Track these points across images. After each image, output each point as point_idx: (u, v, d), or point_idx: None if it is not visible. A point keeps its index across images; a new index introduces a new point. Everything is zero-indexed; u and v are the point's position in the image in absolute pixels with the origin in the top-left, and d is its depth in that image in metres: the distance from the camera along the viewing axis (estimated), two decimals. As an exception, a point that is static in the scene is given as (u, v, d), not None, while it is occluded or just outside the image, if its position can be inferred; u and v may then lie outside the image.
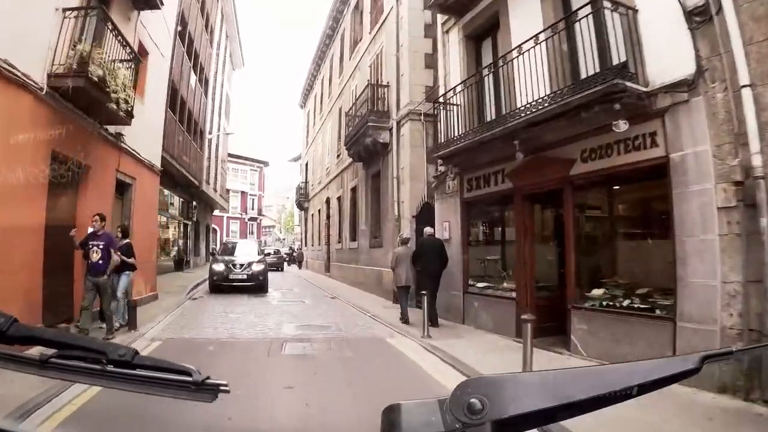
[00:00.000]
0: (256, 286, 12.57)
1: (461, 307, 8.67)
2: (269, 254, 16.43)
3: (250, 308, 10.45)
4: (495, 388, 0.55)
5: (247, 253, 13.30)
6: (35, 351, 0.84)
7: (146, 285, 10.99)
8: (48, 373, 0.80)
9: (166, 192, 20.07)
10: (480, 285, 8.49)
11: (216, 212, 47.53)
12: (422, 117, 11.64)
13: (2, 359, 0.81)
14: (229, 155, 49.75)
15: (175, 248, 21.73)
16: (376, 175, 14.29)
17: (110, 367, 0.79)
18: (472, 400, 0.53)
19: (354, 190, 16.73)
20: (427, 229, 9.32)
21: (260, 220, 55.63)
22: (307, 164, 30.95)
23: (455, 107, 8.44)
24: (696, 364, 0.58)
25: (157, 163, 12.21)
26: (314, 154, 27.20)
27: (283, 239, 65.13)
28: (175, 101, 17.42)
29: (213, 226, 48.06)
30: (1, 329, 0.81)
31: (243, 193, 51.55)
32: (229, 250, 13.74)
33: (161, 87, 12.45)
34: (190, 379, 0.77)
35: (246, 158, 52.21)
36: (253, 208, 53.49)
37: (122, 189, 9.90)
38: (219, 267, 12.44)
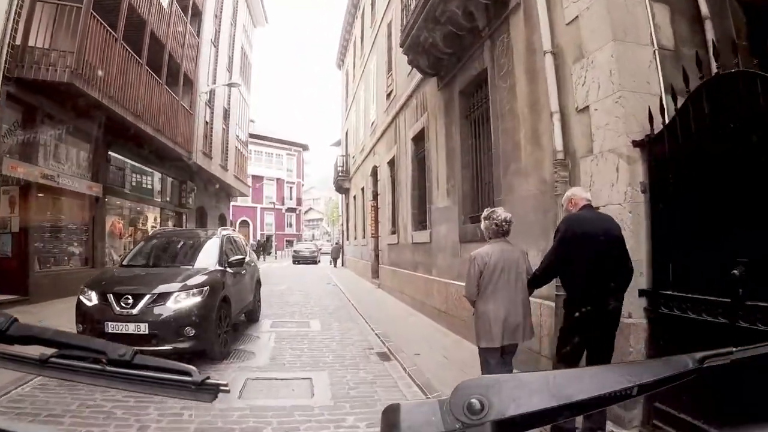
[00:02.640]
0: (174, 351, 4.51)
1: None
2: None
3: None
4: (495, 388, 0.53)
5: (188, 262, 5.82)
6: (35, 350, 0.80)
7: None
8: (48, 372, 0.79)
9: (127, 161, 13.32)
10: None
11: (250, 201, 41.63)
12: None
13: (2, 359, 0.80)
14: (262, 137, 43.76)
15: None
16: (471, 87, 6.68)
17: (110, 367, 0.77)
18: (472, 400, 0.51)
19: (419, 137, 9.18)
20: (576, 192, 3.40)
21: (300, 210, 49.36)
22: (347, 133, 23.89)
23: None
24: (695, 364, 0.58)
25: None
26: (355, 115, 19.99)
27: (329, 232, 61.11)
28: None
29: (245, 218, 42.21)
30: (1, 329, 0.81)
31: (279, 180, 45.49)
32: (150, 253, 6.08)
33: None
34: (190, 379, 0.74)
35: (281, 141, 46.10)
36: (291, 198, 47.30)
37: None
38: (88, 302, 4.80)
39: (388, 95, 12.16)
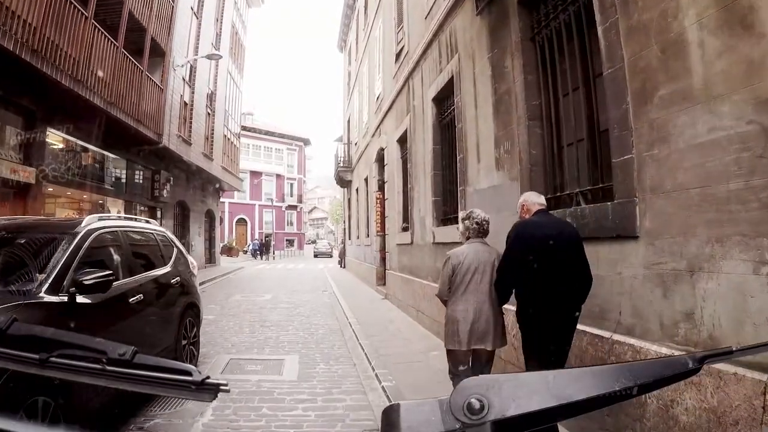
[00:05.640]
0: None
1: None
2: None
3: None
4: (495, 388, 0.52)
5: None
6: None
7: None
8: (48, 372, 0.78)
9: (78, 142, 10.71)
10: None
11: (248, 198, 39.04)
12: None
13: (2, 359, 0.80)
14: (260, 131, 41.19)
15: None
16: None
17: (110, 367, 0.76)
18: (472, 400, 0.50)
19: (446, 93, 6.58)
20: (528, 198, 3.19)
21: (301, 208, 46.82)
22: (349, 120, 21.36)
23: None
24: (695, 364, 0.57)
25: None
26: (358, 97, 17.46)
27: (334, 231, 60.24)
28: None
29: (242, 216, 39.65)
30: (1, 328, 0.82)
31: (279, 176, 42.99)
32: None
33: None
34: (190, 378, 0.74)
35: (281, 135, 43.64)
36: (292, 195, 44.80)
37: None
38: None
39: (398, 55, 9.53)
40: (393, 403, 0.54)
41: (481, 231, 3.44)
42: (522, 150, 4.08)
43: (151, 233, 4.47)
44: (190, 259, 5.07)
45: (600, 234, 3.07)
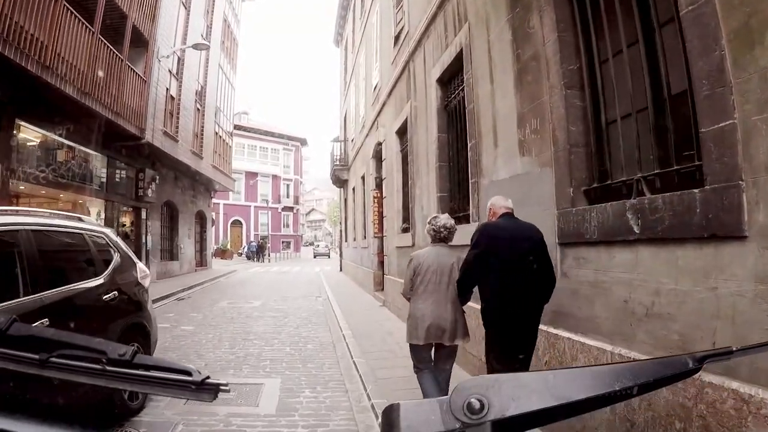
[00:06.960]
0: None
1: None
2: None
3: None
4: (495, 388, 0.51)
5: None
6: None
7: None
8: (48, 372, 0.77)
9: (58, 138, 9.78)
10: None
11: (243, 200, 38.16)
12: None
13: (2, 359, 0.78)
14: (255, 130, 40.34)
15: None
16: None
17: (110, 367, 0.75)
18: (472, 400, 0.49)
19: (453, 70, 5.72)
20: (495, 201, 3.25)
21: (297, 209, 45.92)
22: (345, 117, 20.53)
23: None
24: (695, 364, 0.56)
25: None
26: (355, 90, 16.64)
27: (331, 233, 59.82)
28: None
29: (237, 218, 38.75)
30: (1, 329, 0.81)
31: (275, 177, 42.11)
32: None
33: None
34: (190, 378, 0.73)
35: (277, 134, 42.75)
36: (288, 196, 43.93)
37: None
38: None
39: (397, 38, 8.69)
40: (393, 402, 0.52)
41: (437, 237, 3.59)
42: (557, 127, 3.22)
43: (81, 234, 3.53)
44: (140, 266, 4.14)
45: (680, 233, 2.22)
